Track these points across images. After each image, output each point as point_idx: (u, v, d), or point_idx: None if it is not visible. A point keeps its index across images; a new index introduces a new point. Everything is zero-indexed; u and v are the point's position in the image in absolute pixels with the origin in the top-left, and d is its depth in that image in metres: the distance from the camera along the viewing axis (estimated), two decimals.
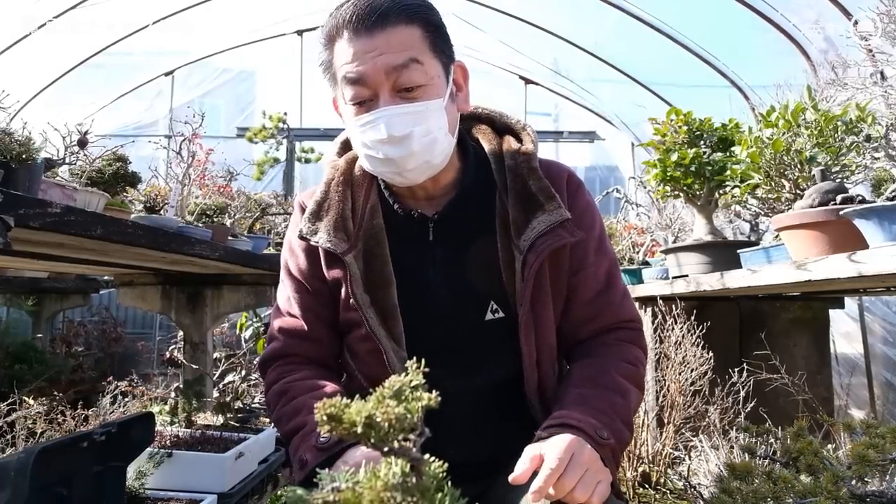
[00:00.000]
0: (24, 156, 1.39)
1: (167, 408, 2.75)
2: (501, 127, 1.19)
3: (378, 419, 0.46)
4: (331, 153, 1.20)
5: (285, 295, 1.17)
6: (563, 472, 0.84)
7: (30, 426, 1.99)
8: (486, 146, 1.15)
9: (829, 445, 1.41)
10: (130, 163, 2.05)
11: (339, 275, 1.08)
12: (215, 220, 2.48)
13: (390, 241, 1.09)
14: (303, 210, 1.13)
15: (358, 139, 1.02)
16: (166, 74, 6.61)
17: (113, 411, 2.29)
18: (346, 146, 1.19)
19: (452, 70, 1.05)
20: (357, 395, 0.50)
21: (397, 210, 1.11)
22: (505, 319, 1.07)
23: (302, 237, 1.09)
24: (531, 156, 1.11)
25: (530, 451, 0.87)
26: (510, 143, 1.14)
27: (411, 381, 0.51)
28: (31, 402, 2.15)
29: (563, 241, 1.03)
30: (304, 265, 1.13)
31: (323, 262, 1.11)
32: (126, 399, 2.50)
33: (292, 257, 1.16)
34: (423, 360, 0.52)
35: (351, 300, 1.05)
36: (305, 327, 1.13)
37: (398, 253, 1.08)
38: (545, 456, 0.85)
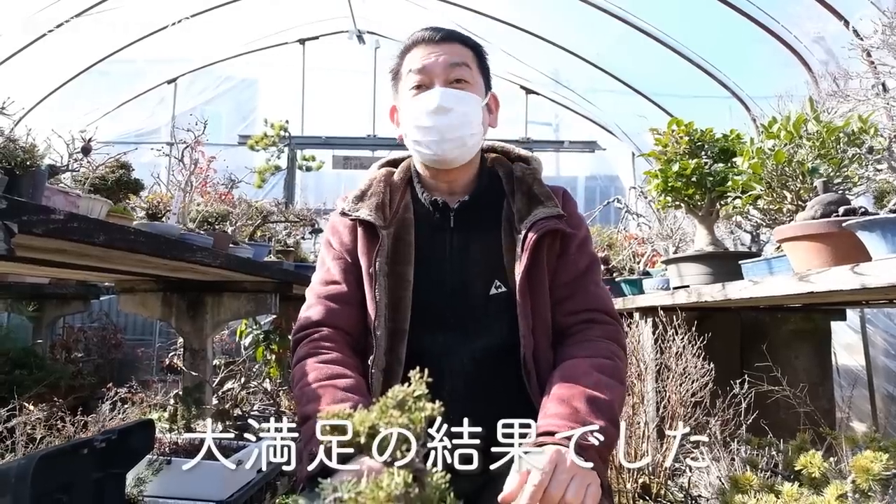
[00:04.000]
0: (28, 163, 1.40)
1: (166, 415, 2.75)
2: (514, 157, 1.41)
3: (381, 430, 0.46)
4: (374, 167, 1.42)
5: (325, 268, 1.31)
6: (547, 485, 0.88)
7: (29, 432, 1.99)
8: (500, 166, 1.38)
9: (832, 459, 1.41)
10: (133, 170, 2.06)
11: (370, 245, 1.24)
12: (217, 227, 2.48)
13: (416, 231, 1.27)
14: (345, 199, 1.33)
15: (411, 114, 1.26)
16: (169, 82, 6.65)
17: (112, 418, 2.28)
18: (383, 165, 1.42)
19: (489, 95, 1.33)
20: (360, 405, 0.50)
21: (424, 200, 1.30)
22: (506, 293, 1.23)
23: (345, 214, 1.28)
24: (536, 171, 1.35)
25: (516, 469, 0.91)
26: (520, 164, 1.37)
27: (414, 391, 0.51)
28: (31, 407, 2.15)
29: (557, 226, 1.23)
30: (347, 239, 1.30)
31: (360, 235, 1.27)
32: (125, 406, 2.50)
33: (335, 235, 1.32)
34: (425, 371, 0.52)
35: (371, 269, 1.21)
36: (345, 288, 1.26)
37: (422, 239, 1.27)
38: (530, 472, 0.89)
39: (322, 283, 1.28)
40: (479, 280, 1.24)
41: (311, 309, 1.25)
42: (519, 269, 1.20)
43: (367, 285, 1.23)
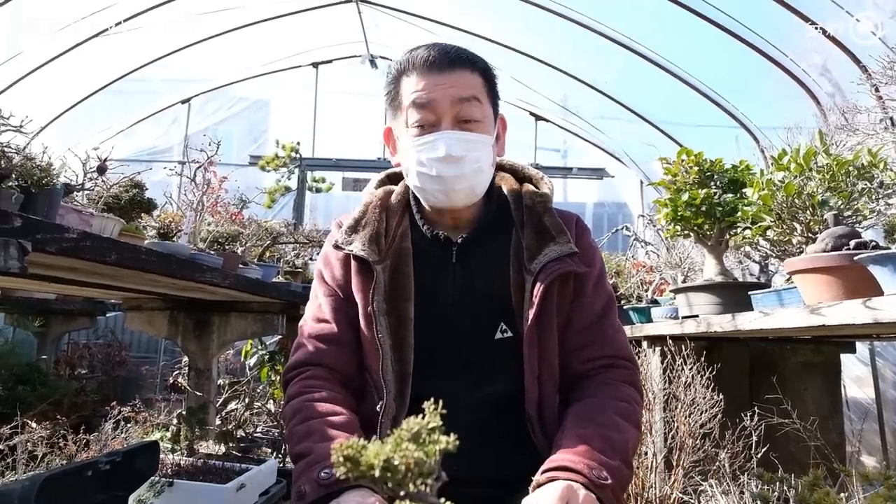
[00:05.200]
0: (43, 181, 1.42)
1: (169, 434, 2.73)
2: (522, 176, 1.32)
3: (396, 462, 0.46)
4: (370, 186, 1.32)
5: (316, 304, 1.24)
6: None
7: (31, 449, 1.98)
8: (508, 190, 1.28)
9: (842, 494, 1.38)
10: (147, 189, 2.08)
11: (366, 283, 1.16)
12: (227, 247, 2.49)
13: (415, 263, 1.18)
14: (339, 227, 1.24)
15: (414, 157, 1.13)
16: (183, 102, 6.75)
17: (115, 437, 2.27)
18: (382, 182, 1.33)
19: (497, 125, 1.21)
20: (374, 437, 0.50)
21: (426, 233, 1.21)
22: (512, 338, 1.15)
23: (338, 247, 1.19)
24: (547, 198, 1.24)
25: (528, 501, 0.90)
26: (529, 188, 1.27)
27: (429, 423, 0.51)
28: (34, 425, 2.14)
29: (570, 269, 1.14)
30: (339, 273, 1.21)
31: (353, 271, 1.18)
32: (128, 425, 2.49)
33: (327, 267, 1.24)
34: (440, 403, 0.51)
35: (369, 307, 1.13)
36: (335, 329, 1.19)
37: (422, 273, 1.17)
38: None
39: (313, 321, 1.22)
40: (483, 322, 1.16)
41: (302, 349, 1.20)
42: (527, 315, 1.12)
43: (364, 325, 1.16)
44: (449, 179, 1.11)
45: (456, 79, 1.12)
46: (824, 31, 3.61)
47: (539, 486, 0.93)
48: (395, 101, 1.18)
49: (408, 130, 1.14)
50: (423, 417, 0.51)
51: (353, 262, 1.18)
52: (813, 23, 3.74)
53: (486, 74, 1.18)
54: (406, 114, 1.14)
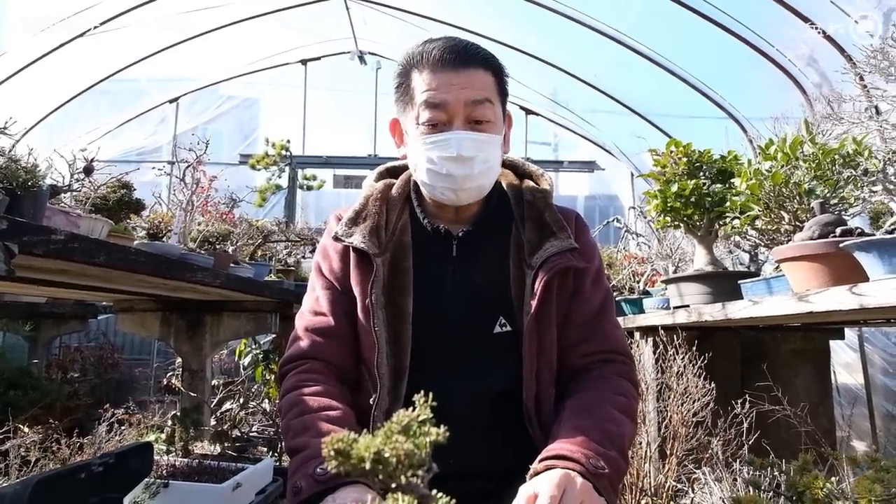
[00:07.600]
0: (29, 183, 1.40)
1: (164, 436, 2.73)
2: (522, 172, 1.33)
3: (386, 455, 0.46)
4: (370, 178, 1.31)
5: (313, 296, 1.23)
6: None
7: (23, 455, 1.97)
8: (508, 185, 1.29)
9: (833, 478, 1.40)
10: (135, 189, 2.07)
11: (365, 275, 1.16)
12: (218, 247, 2.48)
13: (415, 257, 1.18)
14: (338, 219, 1.23)
15: (423, 155, 1.13)
16: (171, 101, 6.70)
17: (109, 439, 2.27)
18: (382, 175, 1.32)
19: (505, 123, 1.23)
20: (364, 430, 0.50)
21: (426, 226, 1.21)
22: (511, 333, 1.15)
23: (337, 238, 1.18)
24: (548, 194, 1.25)
25: (525, 491, 0.89)
26: (529, 184, 1.29)
27: (419, 415, 0.51)
28: (26, 429, 2.13)
29: (570, 264, 1.15)
30: (337, 266, 1.21)
31: (352, 264, 1.18)
32: (122, 427, 2.48)
33: (325, 260, 1.24)
34: (430, 395, 0.52)
35: (367, 300, 1.13)
36: (332, 322, 1.18)
37: (421, 267, 1.18)
38: (539, 494, 0.87)
39: (310, 313, 1.21)
40: (482, 316, 1.16)
41: (298, 342, 1.19)
42: (528, 308, 1.12)
43: (362, 317, 1.16)
44: (459, 178, 1.12)
45: (469, 79, 1.12)
46: (824, 31, 3.62)
47: (536, 474, 0.93)
48: (405, 95, 1.17)
49: (418, 127, 1.14)
50: (414, 410, 0.52)
51: (352, 255, 1.18)
52: (800, 15, 3.76)
53: (498, 73, 1.18)
54: (417, 110, 1.13)
